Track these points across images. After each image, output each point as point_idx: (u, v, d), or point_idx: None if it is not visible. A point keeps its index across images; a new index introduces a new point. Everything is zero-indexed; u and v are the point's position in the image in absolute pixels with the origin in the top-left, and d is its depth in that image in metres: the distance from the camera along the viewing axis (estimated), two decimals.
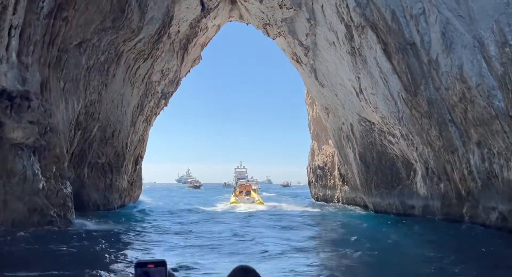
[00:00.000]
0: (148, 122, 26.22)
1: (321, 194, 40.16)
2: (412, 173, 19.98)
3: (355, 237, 14.32)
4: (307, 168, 50.64)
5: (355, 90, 22.09)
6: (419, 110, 17.03)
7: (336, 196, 35.82)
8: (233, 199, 37.58)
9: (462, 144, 15.12)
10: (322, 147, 39.51)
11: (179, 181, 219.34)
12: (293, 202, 42.51)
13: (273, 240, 14.42)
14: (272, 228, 18.08)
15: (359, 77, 21.00)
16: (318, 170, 40.36)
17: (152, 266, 1.41)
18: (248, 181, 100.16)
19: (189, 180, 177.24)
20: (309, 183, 47.27)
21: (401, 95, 17.74)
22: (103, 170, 21.73)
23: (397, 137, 20.31)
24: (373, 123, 22.38)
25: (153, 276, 1.40)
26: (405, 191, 20.46)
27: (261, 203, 35.36)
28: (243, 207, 31.33)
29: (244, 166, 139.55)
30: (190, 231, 16.85)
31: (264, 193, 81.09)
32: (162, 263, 1.44)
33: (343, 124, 26.00)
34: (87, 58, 16.52)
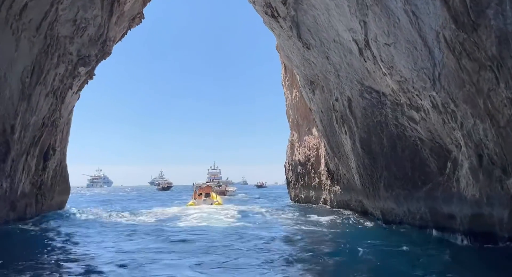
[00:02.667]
0: (59, 97, 18.33)
1: (302, 196, 33.32)
2: (449, 164, 13.29)
3: None
4: (285, 165, 43.79)
5: (357, 45, 15.30)
6: (477, 56, 10.30)
7: (322, 199, 29.02)
8: (190, 201, 36.39)
9: None
10: (304, 138, 32.65)
11: (151, 183, 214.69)
12: (265, 206, 35.46)
13: None
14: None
15: (365, 23, 14.21)
16: (299, 166, 33.49)
17: None
18: (219, 182, 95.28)
19: (156, 181, 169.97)
20: (288, 183, 40.40)
21: (443, 36, 10.96)
22: None
23: (424, 111, 13.60)
24: (383, 94, 15.61)
25: None
26: (437, 193, 13.76)
27: (219, 204, 34.86)
28: (193, 215, 24.04)
29: (217, 167, 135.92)
30: None
31: (240, 194, 74.91)
32: None
33: (336, 101, 19.11)
34: None
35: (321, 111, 22.43)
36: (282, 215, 23.25)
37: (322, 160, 28.87)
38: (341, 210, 24.63)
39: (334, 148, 22.54)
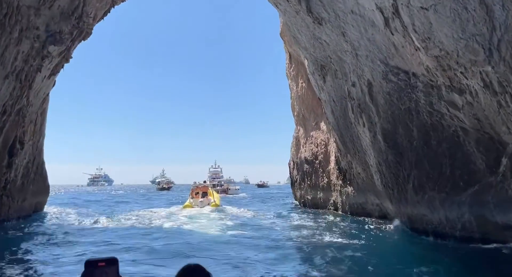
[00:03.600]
0: (24, 81, 15.56)
1: (309, 197, 30.50)
2: (505, 160, 10.50)
3: None
4: (289, 163, 40.98)
5: (382, 14, 12.53)
6: None
7: (332, 201, 26.20)
8: (186, 202, 35.05)
9: None
10: (311, 133, 29.84)
11: (153, 182, 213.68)
12: (266, 209, 32.74)
13: None
14: None
15: None
16: (305, 165, 30.67)
17: (103, 264, 1.32)
18: (221, 181, 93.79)
19: (157, 180, 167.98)
20: (292, 183, 37.57)
21: None
22: None
23: (470, 93, 10.82)
24: (414, 74, 12.84)
25: (105, 275, 1.29)
26: (486, 197, 10.98)
27: (216, 205, 33.80)
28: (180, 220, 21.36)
29: (218, 166, 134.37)
30: None
31: (241, 194, 72.24)
32: (114, 261, 1.35)
33: (353, 86, 16.30)
34: None
35: (333, 101, 19.62)
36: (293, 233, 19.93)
37: (332, 158, 26.06)
38: (355, 217, 21.82)
39: (348, 143, 19.72)
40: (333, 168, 25.77)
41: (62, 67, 18.55)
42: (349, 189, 22.46)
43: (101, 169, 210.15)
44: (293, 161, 36.67)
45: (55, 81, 19.19)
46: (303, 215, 24.20)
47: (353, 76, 16.07)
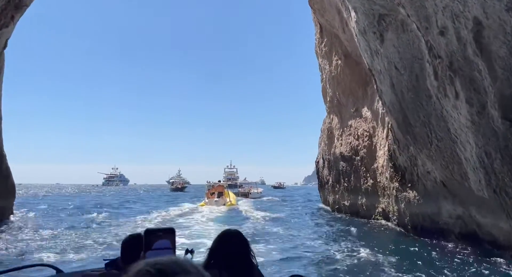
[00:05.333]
0: None
1: (345, 203, 24.73)
2: None
3: None
4: (316, 161, 35.26)
5: None
6: None
7: (380, 209, 20.42)
8: (202, 201, 36.39)
9: None
10: (349, 123, 24.09)
11: (169, 182, 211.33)
12: (296, 217, 27.19)
13: None
14: None
15: None
16: (341, 162, 24.91)
17: (161, 233, 1.41)
18: (238, 182, 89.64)
19: (171, 180, 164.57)
20: (322, 185, 31.83)
21: None
22: None
23: None
24: None
25: (163, 244, 1.38)
26: None
27: (232, 204, 34.56)
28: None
29: (234, 166, 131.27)
30: None
31: (264, 198, 64.25)
32: (171, 231, 1.46)
33: (441, 35, 10.56)
34: None
35: (395, 68, 13.88)
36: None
37: (380, 152, 20.28)
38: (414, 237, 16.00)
39: (417, 128, 13.95)
40: (382, 166, 19.97)
41: (12, 20, 13.43)
42: (411, 194, 16.63)
43: (117, 168, 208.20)
44: (322, 158, 30.93)
45: (5, 42, 14.08)
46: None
47: (443, 19, 10.29)
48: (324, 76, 27.55)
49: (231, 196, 38.97)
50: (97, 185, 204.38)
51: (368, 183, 21.80)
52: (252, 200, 54.22)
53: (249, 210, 33.98)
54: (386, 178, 19.39)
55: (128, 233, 1.87)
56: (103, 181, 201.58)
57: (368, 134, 22.17)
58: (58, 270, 2.96)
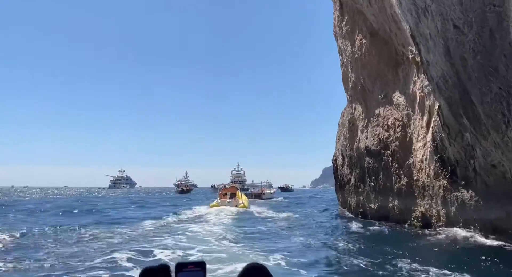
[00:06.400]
0: None
1: (372, 205, 21.33)
2: None
3: None
4: (334, 159, 31.90)
5: None
6: None
7: (419, 212, 16.99)
8: (214, 202, 35.46)
9: None
10: (376, 111, 20.75)
11: (176, 185, 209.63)
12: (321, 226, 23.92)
13: None
14: None
15: None
16: (367, 158, 21.53)
17: (192, 267, 1.40)
18: (249, 185, 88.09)
19: (176, 183, 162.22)
20: (341, 185, 28.48)
21: None
22: None
23: None
24: None
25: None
26: None
27: (244, 207, 33.93)
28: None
29: (241, 168, 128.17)
30: None
31: (280, 198, 66.17)
32: (202, 265, 1.43)
33: None
34: None
35: (453, 27, 10.53)
36: None
37: (419, 144, 16.88)
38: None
39: (484, 105, 10.56)
40: (421, 160, 16.56)
41: None
42: (465, 194, 13.23)
43: (123, 171, 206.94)
44: (342, 155, 27.51)
45: None
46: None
47: None
48: (344, 60, 24.18)
49: (243, 198, 38.41)
50: (103, 188, 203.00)
51: (401, 182, 18.39)
52: (267, 202, 54.70)
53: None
54: (428, 175, 15.97)
55: (145, 266, 1.56)
56: (110, 183, 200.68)
57: (400, 123, 18.78)
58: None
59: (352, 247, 12.90)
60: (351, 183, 24.68)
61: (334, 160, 31.25)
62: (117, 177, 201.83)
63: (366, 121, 22.06)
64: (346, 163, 26.11)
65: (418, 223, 17.08)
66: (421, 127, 16.80)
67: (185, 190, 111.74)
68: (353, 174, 24.21)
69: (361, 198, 22.79)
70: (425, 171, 16.20)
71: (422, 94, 16.63)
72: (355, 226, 18.99)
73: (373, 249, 12.36)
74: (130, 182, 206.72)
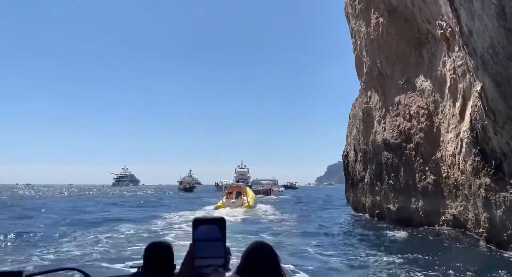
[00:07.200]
0: None
1: (391, 206, 18.90)
2: None
3: None
4: (344, 155, 29.53)
5: None
6: None
7: (450, 215, 14.56)
8: (219, 203, 34.78)
9: None
10: (396, 99, 18.32)
11: (179, 182, 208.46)
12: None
13: None
14: None
15: None
16: (385, 152, 19.11)
17: (211, 223, 1.35)
18: (246, 181, 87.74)
19: (178, 180, 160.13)
20: (352, 184, 26.08)
21: None
22: None
23: None
24: None
25: (213, 234, 1.33)
26: None
27: (249, 206, 33.28)
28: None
29: (245, 166, 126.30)
30: None
31: (286, 196, 66.24)
32: (222, 220, 1.37)
33: None
34: None
35: None
36: None
37: (449, 136, 14.44)
38: None
39: None
40: (453, 154, 14.11)
41: None
42: None
43: (127, 169, 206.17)
44: (354, 149, 25.08)
45: None
46: None
47: None
48: (358, 43, 21.69)
49: (249, 195, 38.06)
50: (106, 186, 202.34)
51: (427, 180, 15.95)
52: (276, 200, 55.26)
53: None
54: (462, 171, 13.52)
55: (151, 241, 1.90)
56: (113, 181, 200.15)
57: (425, 112, 16.32)
58: (86, 275, 2.79)
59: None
60: (366, 181, 22.25)
61: (345, 156, 28.84)
62: (120, 175, 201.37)
63: (383, 110, 19.60)
64: (360, 158, 23.68)
65: (449, 227, 14.65)
66: (453, 115, 14.34)
67: (188, 187, 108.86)
68: (368, 171, 21.77)
69: (378, 198, 20.36)
70: (459, 167, 13.75)
71: (454, 76, 14.18)
72: (396, 234, 15.95)
73: None
74: (133, 180, 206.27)
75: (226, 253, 1.33)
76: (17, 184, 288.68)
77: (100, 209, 32.70)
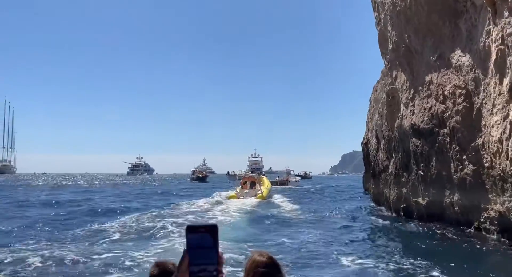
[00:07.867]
0: None
1: (420, 200, 16.88)
2: None
3: None
4: (364, 143, 27.51)
5: None
6: None
7: (493, 212, 12.56)
8: (232, 193, 35.67)
9: None
10: (427, 78, 16.14)
11: (192, 172, 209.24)
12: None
13: None
14: None
15: None
16: (413, 139, 17.03)
17: (203, 230, 1.24)
18: (260, 170, 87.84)
19: (193, 169, 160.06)
20: (374, 174, 24.12)
21: None
22: None
23: None
24: None
25: (205, 242, 1.22)
26: None
27: (262, 197, 33.40)
28: None
29: (258, 155, 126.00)
30: None
31: (304, 186, 64.84)
32: (214, 227, 1.26)
33: None
34: None
35: None
36: None
37: (495, 119, 12.30)
38: None
39: None
40: (499, 140, 11.99)
41: None
42: None
43: (141, 158, 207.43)
44: (376, 136, 22.97)
45: None
46: None
47: None
48: (382, 16, 19.40)
49: (265, 185, 38.82)
50: (121, 174, 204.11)
51: (465, 170, 13.86)
52: (291, 191, 53.99)
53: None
54: (511, 160, 11.42)
55: (154, 261, 1.91)
56: (128, 170, 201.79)
57: (463, 92, 14.13)
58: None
59: None
60: (390, 171, 20.19)
61: (365, 144, 26.77)
62: (135, 164, 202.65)
63: (412, 91, 17.41)
64: (382, 146, 21.58)
65: (493, 227, 12.62)
66: (499, 94, 12.16)
67: (201, 176, 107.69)
68: (393, 160, 19.70)
69: (404, 190, 18.31)
70: (507, 155, 11.63)
71: (501, 47, 11.94)
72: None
73: None
74: (148, 169, 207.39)
75: (219, 259, 1.18)
76: (34, 173, 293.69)
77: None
